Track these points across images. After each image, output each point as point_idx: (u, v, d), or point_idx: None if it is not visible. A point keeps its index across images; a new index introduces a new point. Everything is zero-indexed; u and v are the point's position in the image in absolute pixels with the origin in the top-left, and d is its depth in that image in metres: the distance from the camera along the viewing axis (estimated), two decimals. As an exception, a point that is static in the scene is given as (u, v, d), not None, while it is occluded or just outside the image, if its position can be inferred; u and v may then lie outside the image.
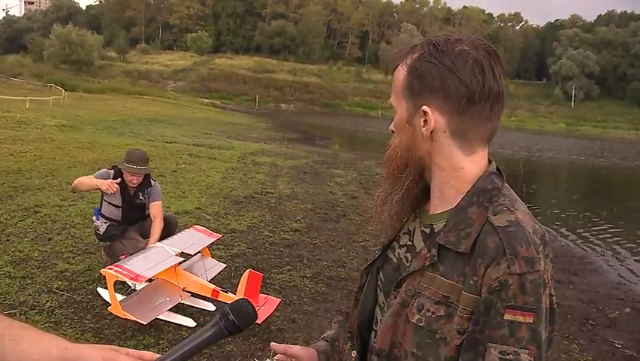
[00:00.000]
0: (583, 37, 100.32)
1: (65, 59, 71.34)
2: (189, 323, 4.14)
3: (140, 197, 5.00)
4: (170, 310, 4.14)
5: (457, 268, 1.01)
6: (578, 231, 10.69)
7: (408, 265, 1.12)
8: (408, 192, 1.14)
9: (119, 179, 4.85)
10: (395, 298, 1.10)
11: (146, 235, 4.99)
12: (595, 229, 11.05)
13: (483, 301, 0.96)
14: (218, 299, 4.28)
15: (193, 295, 4.42)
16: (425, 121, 1.06)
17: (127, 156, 4.90)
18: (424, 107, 1.05)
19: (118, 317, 3.87)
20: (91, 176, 5.03)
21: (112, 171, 4.96)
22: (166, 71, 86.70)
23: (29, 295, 4.40)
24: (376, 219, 1.20)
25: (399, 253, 1.19)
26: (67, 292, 4.52)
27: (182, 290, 4.34)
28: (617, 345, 4.85)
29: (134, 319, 3.81)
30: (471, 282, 0.98)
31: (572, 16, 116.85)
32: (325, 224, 7.95)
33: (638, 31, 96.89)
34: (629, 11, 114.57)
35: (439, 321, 1.02)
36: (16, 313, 4.02)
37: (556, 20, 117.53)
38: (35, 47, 77.88)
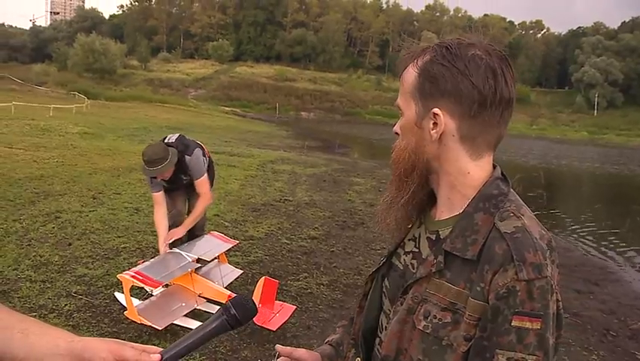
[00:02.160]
0: (606, 44, 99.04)
1: (89, 67, 72.47)
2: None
3: (184, 178, 4.81)
4: (185, 315, 4.16)
5: (463, 274, 1.01)
6: (598, 240, 10.52)
7: (414, 271, 1.12)
8: (413, 196, 1.13)
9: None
10: (401, 304, 1.10)
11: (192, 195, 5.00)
12: (616, 238, 10.86)
13: (490, 308, 0.95)
14: None
15: (208, 300, 4.44)
16: (435, 124, 1.05)
17: (142, 155, 4.59)
18: (435, 110, 1.05)
19: (134, 321, 3.91)
20: (161, 216, 4.73)
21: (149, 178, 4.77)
22: (187, 80, 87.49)
23: (49, 298, 4.47)
24: (382, 223, 1.20)
25: (404, 260, 1.18)
26: (86, 297, 4.57)
27: (198, 296, 4.36)
28: (639, 357, 4.76)
29: (149, 324, 3.83)
30: (478, 288, 0.97)
31: (594, 23, 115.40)
32: (343, 232, 7.93)
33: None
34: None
35: (445, 328, 1.01)
36: (35, 316, 4.07)
37: (579, 28, 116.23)
38: (60, 56, 79.23)
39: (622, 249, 9.96)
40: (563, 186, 22.15)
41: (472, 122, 1.04)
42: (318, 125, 57.83)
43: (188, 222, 4.83)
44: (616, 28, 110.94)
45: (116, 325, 4.10)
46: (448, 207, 1.10)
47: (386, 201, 1.17)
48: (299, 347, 1.31)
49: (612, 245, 10.20)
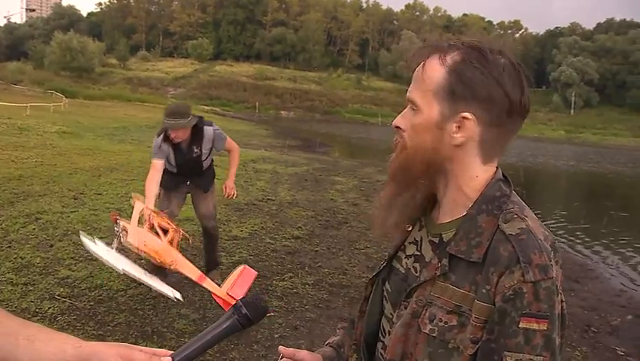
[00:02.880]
0: (582, 44, 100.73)
1: (66, 65, 71.72)
2: (173, 293, 3.87)
3: (195, 150, 4.78)
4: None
5: (468, 277, 1.01)
6: (577, 237, 10.67)
7: (417, 275, 1.11)
8: (422, 197, 1.13)
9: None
10: (405, 308, 1.09)
11: (204, 188, 5.11)
12: (594, 235, 11.03)
13: (497, 310, 0.95)
14: (203, 285, 4.09)
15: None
16: (460, 128, 1.04)
17: (165, 110, 4.62)
18: (466, 114, 1.03)
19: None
20: (154, 179, 4.62)
21: (160, 138, 4.72)
22: (166, 78, 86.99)
23: (31, 301, 4.40)
24: (381, 224, 1.18)
25: (406, 263, 1.17)
26: (70, 299, 4.51)
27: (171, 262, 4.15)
28: (619, 352, 4.83)
29: (135, 245, 3.86)
30: (484, 291, 0.98)
31: (571, 23, 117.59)
32: (326, 231, 7.94)
33: (637, 38, 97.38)
34: (628, 19, 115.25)
35: (451, 331, 1.01)
36: (18, 320, 4.00)
37: (556, 28, 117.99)
38: (36, 53, 78.37)
39: (600, 246, 10.11)
40: (541, 184, 22.43)
41: (495, 130, 1.04)
42: (297, 124, 57.82)
43: (232, 173, 5.24)
44: (592, 29, 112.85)
45: (101, 328, 4.06)
46: (451, 210, 1.10)
47: (386, 200, 1.16)
48: (287, 348, 1.30)
49: (589, 242, 10.34)
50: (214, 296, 4.06)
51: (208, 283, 4.04)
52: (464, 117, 1.03)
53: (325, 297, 5.24)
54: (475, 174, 1.07)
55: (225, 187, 5.15)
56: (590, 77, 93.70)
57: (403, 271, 1.17)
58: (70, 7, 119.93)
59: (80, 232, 4.35)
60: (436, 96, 1.04)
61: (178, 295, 3.77)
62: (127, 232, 4.24)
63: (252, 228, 7.59)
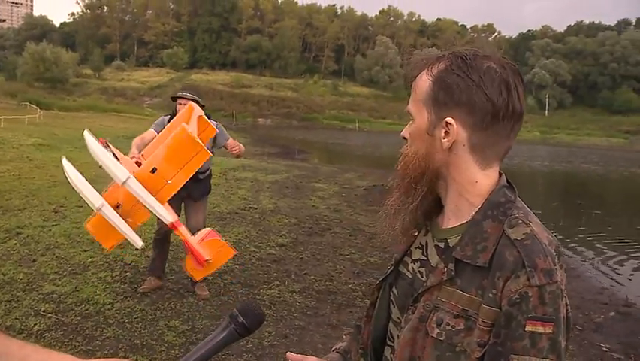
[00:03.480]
0: (554, 47, 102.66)
1: (39, 76, 70.88)
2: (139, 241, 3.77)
3: None
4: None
5: (475, 281, 1.03)
6: (557, 237, 10.80)
7: (424, 280, 1.13)
8: (422, 203, 1.14)
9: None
10: (413, 313, 1.11)
11: (195, 197, 5.08)
12: (572, 234, 11.20)
13: (503, 314, 0.97)
14: (179, 230, 4.01)
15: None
16: (447, 132, 1.07)
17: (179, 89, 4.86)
18: (448, 119, 1.06)
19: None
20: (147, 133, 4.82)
21: (167, 117, 4.96)
22: (142, 88, 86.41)
23: (16, 318, 4.33)
24: (388, 229, 1.20)
25: (412, 268, 1.19)
26: (55, 315, 4.45)
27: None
28: (604, 349, 4.93)
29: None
30: (490, 295, 0.99)
31: (542, 26, 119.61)
32: (310, 238, 7.94)
33: (607, 40, 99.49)
34: (596, 22, 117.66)
35: (459, 334, 1.03)
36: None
37: (528, 31, 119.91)
38: (8, 65, 77.42)
39: (578, 244, 10.26)
40: (518, 184, 22.51)
41: (483, 134, 1.06)
42: (275, 131, 57.87)
43: (242, 153, 5.26)
44: (562, 31, 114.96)
45: (90, 342, 4.01)
46: (456, 215, 1.12)
47: (393, 207, 1.18)
48: (277, 357, 1.31)
49: (568, 241, 10.46)
50: (186, 244, 4.03)
51: (183, 230, 3.99)
52: (448, 122, 1.07)
53: (313, 304, 5.25)
54: (474, 180, 1.10)
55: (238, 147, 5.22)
56: (563, 78, 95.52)
57: (410, 276, 1.19)
58: (42, 18, 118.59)
59: (85, 130, 4.14)
60: (425, 105, 1.10)
61: (140, 245, 3.72)
62: (118, 158, 4.20)
63: (236, 237, 7.57)
